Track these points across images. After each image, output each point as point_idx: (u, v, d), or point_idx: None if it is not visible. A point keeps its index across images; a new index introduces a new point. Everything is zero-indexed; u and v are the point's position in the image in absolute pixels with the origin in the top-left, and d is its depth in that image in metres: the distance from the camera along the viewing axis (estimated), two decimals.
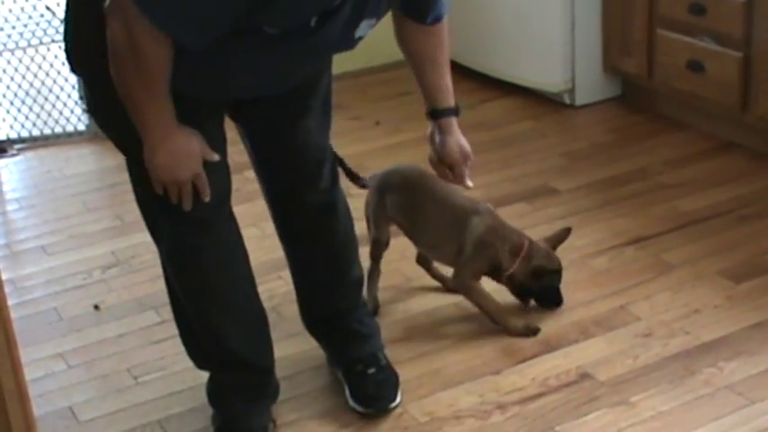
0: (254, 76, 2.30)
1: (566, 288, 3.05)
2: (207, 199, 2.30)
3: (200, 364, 2.65)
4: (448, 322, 3.11)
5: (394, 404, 2.73)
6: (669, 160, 4.07)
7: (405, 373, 2.80)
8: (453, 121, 2.68)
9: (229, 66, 2.23)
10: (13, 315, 2.20)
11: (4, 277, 1.93)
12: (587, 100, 4.63)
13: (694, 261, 3.37)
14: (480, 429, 2.64)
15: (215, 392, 2.64)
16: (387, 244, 3.13)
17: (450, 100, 2.66)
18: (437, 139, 2.70)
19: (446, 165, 2.72)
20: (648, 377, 2.82)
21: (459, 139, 2.70)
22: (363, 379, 2.76)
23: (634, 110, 4.54)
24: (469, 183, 2.73)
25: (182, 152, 2.22)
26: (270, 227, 2.52)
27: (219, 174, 2.40)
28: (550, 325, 3.01)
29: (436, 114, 2.67)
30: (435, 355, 2.95)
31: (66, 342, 3.15)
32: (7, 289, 2.01)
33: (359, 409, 2.72)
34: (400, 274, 3.29)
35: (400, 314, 3.14)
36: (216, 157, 2.29)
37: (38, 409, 2.46)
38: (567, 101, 4.64)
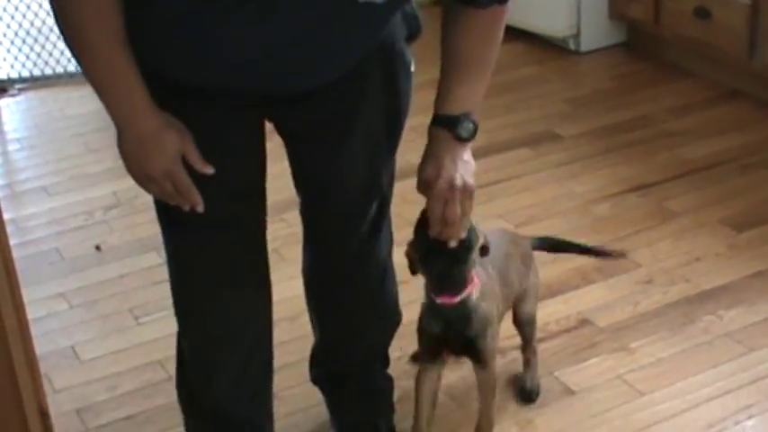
0: (245, 43, 1.75)
1: (567, 234, 3.05)
2: (200, 208, 1.88)
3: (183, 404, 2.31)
4: None
5: None
6: (673, 108, 4.05)
7: (404, 329, 2.72)
8: (447, 136, 1.94)
9: (206, 22, 1.72)
10: (15, 255, 2.20)
11: (5, 217, 1.93)
12: (592, 46, 4.60)
13: (696, 209, 3.36)
14: None
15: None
16: None
17: (460, 107, 1.94)
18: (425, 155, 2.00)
19: (434, 196, 1.97)
20: (648, 324, 2.83)
21: (446, 164, 1.93)
22: None
23: (639, 57, 4.52)
24: (452, 243, 2.01)
25: (152, 142, 1.81)
26: (279, 168, 2.30)
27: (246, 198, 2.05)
28: (551, 271, 3.01)
29: (435, 120, 1.97)
30: None
31: (68, 282, 3.16)
32: (9, 229, 2.01)
33: None
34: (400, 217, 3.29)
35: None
36: (208, 169, 1.85)
37: (40, 348, 2.46)
38: (572, 47, 4.61)
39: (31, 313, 2.27)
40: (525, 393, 2.57)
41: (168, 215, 2.01)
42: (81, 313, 3.02)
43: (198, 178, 1.85)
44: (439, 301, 2.11)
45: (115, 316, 2.98)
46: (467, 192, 1.92)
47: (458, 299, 2.10)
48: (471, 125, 1.92)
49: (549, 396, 2.58)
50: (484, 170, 2.99)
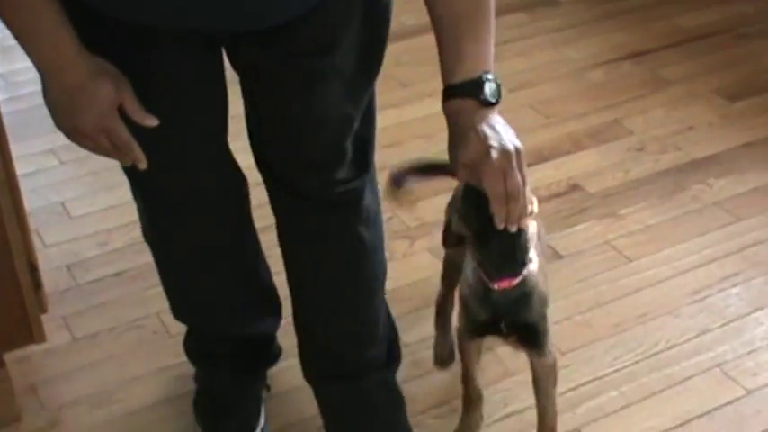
0: None
1: (560, 100, 3.03)
2: (142, 165, 1.61)
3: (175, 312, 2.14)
4: (441, 131, 3.10)
5: None
6: None
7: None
8: (473, 105, 1.56)
9: None
10: (4, 110, 2.20)
11: None
12: None
13: (691, 78, 3.34)
14: None
15: (194, 349, 2.19)
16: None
17: (475, 68, 1.57)
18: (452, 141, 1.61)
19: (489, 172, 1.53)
20: (638, 191, 2.84)
21: (488, 133, 1.54)
22: None
23: None
24: (526, 222, 1.61)
25: (82, 93, 1.53)
26: None
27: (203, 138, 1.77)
28: (543, 136, 3.00)
29: (451, 92, 1.59)
30: None
31: (58, 138, 3.07)
32: None
33: None
34: (393, 78, 3.26)
35: (393, 119, 3.12)
36: (150, 120, 1.57)
37: (29, 203, 2.48)
38: None
39: (20, 169, 2.27)
40: None
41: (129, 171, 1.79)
42: (71, 169, 3.01)
43: (146, 129, 1.59)
44: (497, 286, 1.74)
45: (105, 173, 2.96)
46: (521, 156, 1.53)
47: (517, 280, 1.75)
48: (495, 85, 1.56)
49: None
50: None
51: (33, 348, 2.30)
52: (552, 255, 2.61)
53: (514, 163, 1.51)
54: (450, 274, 2.22)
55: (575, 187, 2.85)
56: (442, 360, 2.29)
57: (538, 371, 1.97)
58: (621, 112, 3.17)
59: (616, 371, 2.27)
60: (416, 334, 2.35)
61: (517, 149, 1.52)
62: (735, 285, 2.51)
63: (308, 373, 2.08)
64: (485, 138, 1.53)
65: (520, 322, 1.85)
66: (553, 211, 2.76)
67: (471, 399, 2.08)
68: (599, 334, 2.37)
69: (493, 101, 1.55)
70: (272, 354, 2.19)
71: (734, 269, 2.56)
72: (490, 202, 1.53)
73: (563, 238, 2.67)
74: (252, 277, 2.06)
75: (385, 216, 2.70)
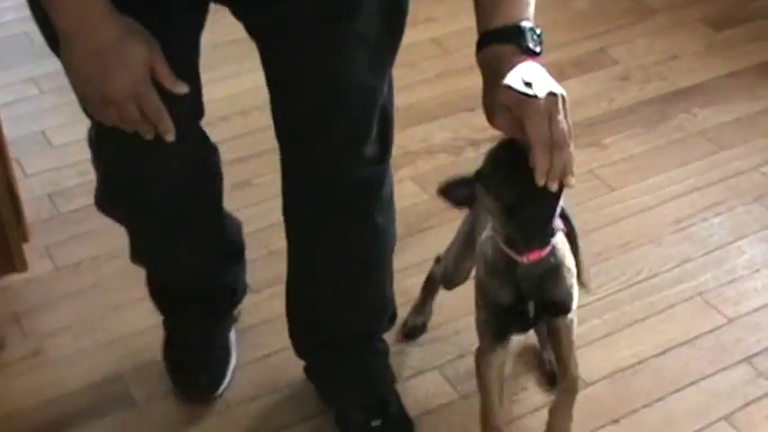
0: None
1: (544, 29, 3.01)
2: (171, 138, 1.50)
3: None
4: (424, 59, 3.09)
5: None
6: None
7: None
8: (514, 51, 1.41)
9: None
10: None
11: None
12: None
13: (676, 7, 3.32)
14: (453, 164, 2.66)
15: (159, 297, 2.12)
16: None
17: (516, 14, 1.43)
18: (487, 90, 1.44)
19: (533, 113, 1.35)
20: (622, 120, 2.83)
21: (530, 72, 1.37)
22: None
23: None
24: (571, 180, 1.40)
25: (114, 55, 1.40)
26: None
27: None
28: None
29: (489, 38, 1.44)
30: (410, 91, 2.93)
31: (39, 68, 3.10)
32: None
33: None
34: None
35: None
36: (182, 88, 1.47)
37: (10, 132, 2.45)
38: None
39: (0, 98, 2.25)
40: None
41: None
42: (52, 98, 2.98)
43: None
44: (525, 259, 1.57)
45: None
46: (566, 104, 1.36)
47: (547, 251, 1.58)
48: (537, 34, 1.43)
49: None
50: None
51: (15, 278, 2.30)
52: None
53: (561, 107, 1.35)
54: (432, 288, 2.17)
55: None
56: (413, 330, 2.20)
57: (559, 327, 1.75)
58: (606, 41, 3.15)
59: (599, 299, 2.28)
60: (399, 262, 2.33)
61: (563, 96, 1.36)
62: (717, 215, 2.51)
63: (303, 347, 2.03)
64: (535, 77, 1.36)
65: (549, 300, 1.66)
66: None
67: None
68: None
69: (537, 50, 1.41)
70: (238, 295, 2.16)
71: (717, 198, 2.56)
72: (532, 151, 1.33)
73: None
74: (220, 236, 2.00)
75: None
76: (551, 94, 1.34)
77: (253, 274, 2.21)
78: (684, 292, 2.30)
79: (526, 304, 1.65)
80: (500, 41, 1.42)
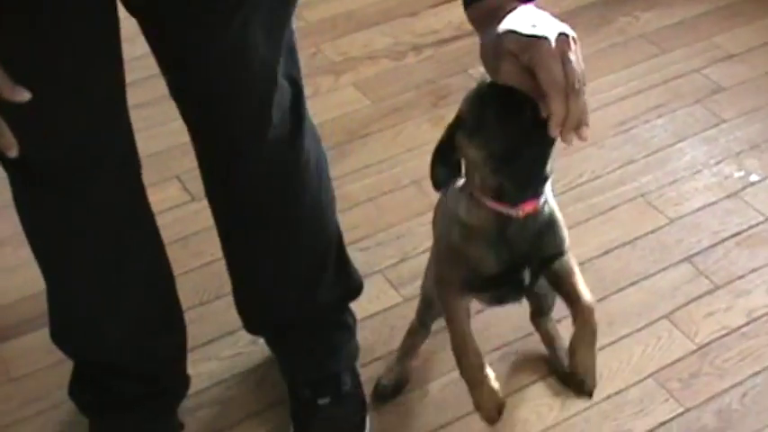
0: None
1: None
2: (12, 153, 1.26)
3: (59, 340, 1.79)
4: None
5: None
6: None
7: (320, 26, 2.56)
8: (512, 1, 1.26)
9: None
10: None
11: None
12: None
13: None
14: (394, 70, 2.64)
15: (88, 396, 1.85)
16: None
17: None
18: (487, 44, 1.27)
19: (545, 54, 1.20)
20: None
21: (538, 16, 1.23)
22: (310, 415, 1.85)
23: None
24: (586, 131, 1.24)
25: None
26: None
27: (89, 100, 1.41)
28: None
29: None
30: None
31: None
32: None
33: None
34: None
35: None
36: (22, 95, 1.23)
37: None
38: None
39: None
40: None
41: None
42: None
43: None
44: (520, 212, 1.38)
45: None
46: (578, 47, 1.22)
47: (542, 200, 1.41)
48: None
49: (462, 93, 2.55)
50: None
51: None
52: None
53: (573, 47, 1.20)
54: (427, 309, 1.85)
55: None
56: (389, 391, 1.93)
57: (559, 268, 1.50)
58: None
59: None
60: (341, 168, 2.33)
61: (574, 37, 1.21)
62: (659, 117, 2.52)
63: (251, 326, 1.92)
64: (533, 21, 1.21)
65: (547, 256, 1.46)
66: (469, 49, 2.71)
67: (474, 367, 1.49)
68: None
69: None
70: (182, 383, 1.87)
71: (659, 101, 2.56)
72: (547, 98, 1.19)
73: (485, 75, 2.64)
74: (154, 283, 1.75)
75: (310, 51, 2.68)
76: (562, 35, 1.19)
77: (194, 182, 2.18)
78: (626, 194, 2.30)
79: (520, 271, 1.46)
80: None
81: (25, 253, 2.18)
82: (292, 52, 1.56)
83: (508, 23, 1.21)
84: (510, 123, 1.27)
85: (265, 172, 1.63)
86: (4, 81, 1.22)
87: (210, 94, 1.50)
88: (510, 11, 1.23)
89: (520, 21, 1.21)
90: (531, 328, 1.95)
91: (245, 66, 1.46)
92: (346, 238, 1.85)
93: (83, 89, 1.34)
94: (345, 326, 1.91)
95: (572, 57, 1.19)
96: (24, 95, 1.23)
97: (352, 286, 1.90)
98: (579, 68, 1.20)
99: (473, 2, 1.28)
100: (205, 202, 2.21)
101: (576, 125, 1.21)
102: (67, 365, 1.80)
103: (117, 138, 1.52)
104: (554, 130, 1.20)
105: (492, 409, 1.48)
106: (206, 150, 1.64)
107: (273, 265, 1.78)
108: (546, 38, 1.18)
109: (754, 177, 2.35)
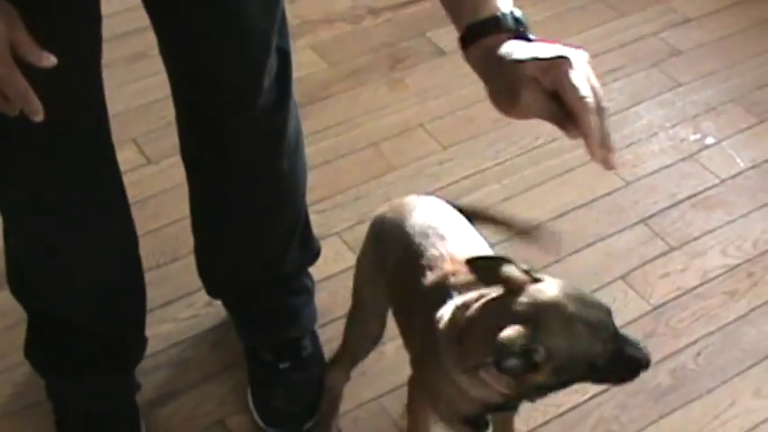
0: None
1: None
2: (39, 117, 1.23)
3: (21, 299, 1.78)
4: None
5: (309, 425, 1.84)
6: None
7: None
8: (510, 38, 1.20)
9: None
10: None
11: None
12: None
13: None
14: (352, 33, 2.63)
15: (46, 354, 1.83)
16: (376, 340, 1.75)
17: (500, 4, 1.22)
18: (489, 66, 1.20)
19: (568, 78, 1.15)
20: None
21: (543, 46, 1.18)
22: (271, 379, 1.87)
23: None
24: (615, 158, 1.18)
25: None
26: None
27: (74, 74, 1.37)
28: None
29: (480, 28, 1.21)
30: None
31: None
32: None
33: (260, 424, 1.86)
34: None
35: None
36: (48, 60, 1.21)
37: None
38: None
39: None
40: None
41: None
42: None
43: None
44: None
45: None
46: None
47: None
48: (520, 14, 1.23)
49: (420, 56, 2.58)
50: None
51: None
52: (435, 51, 2.59)
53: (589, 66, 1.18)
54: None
55: None
56: None
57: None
58: None
59: (498, 164, 2.29)
60: None
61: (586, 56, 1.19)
62: (616, 80, 2.53)
63: (213, 288, 1.92)
64: (541, 50, 1.17)
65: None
66: (427, 13, 2.71)
67: None
68: (481, 128, 2.38)
69: (531, 36, 1.21)
70: (139, 344, 1.86)
71: (615, 64, 2.57)
72: (578, 118, 1.13)
73: (445, 35, 2.63)
74: (123, 242, 1.74)
75: None
76: (579, 52, 1.17)
77: (151, 145, 2.17)
78: (582, 156, 2.24)
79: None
80: (496, 32, 1.20)
81: None
82: (284, 22, 1.58)
83: (522, 53, 1.16)
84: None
85: (251, 138, 1.63)
86: (32, 46, 1.21)
87: (209, 65, 1.51)
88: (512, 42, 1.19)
89: (530, 48, 1.17)
90: None
91: (241, 38, 1.48)
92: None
93: (68, 47, 1.30)
94: (305, 289, 1.93)
95: (593, 74, 1.17)
96: (51, 60, 1.21)
97: (313, 252, 1.93)
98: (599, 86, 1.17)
99: (469, 44, 1.21)
100: (162, 165, 2.22)
101: (609, 145, 1.16)
102: (22, 327, 1.79)
103: (94, 97, 1.52)
104: (593, 151, 1.14)
105: None
106: (188, 115, 1.65)
107: (246, 236, 1.79)
108: (567, 57, 1.15)
109: (709, 140, 2.37)
